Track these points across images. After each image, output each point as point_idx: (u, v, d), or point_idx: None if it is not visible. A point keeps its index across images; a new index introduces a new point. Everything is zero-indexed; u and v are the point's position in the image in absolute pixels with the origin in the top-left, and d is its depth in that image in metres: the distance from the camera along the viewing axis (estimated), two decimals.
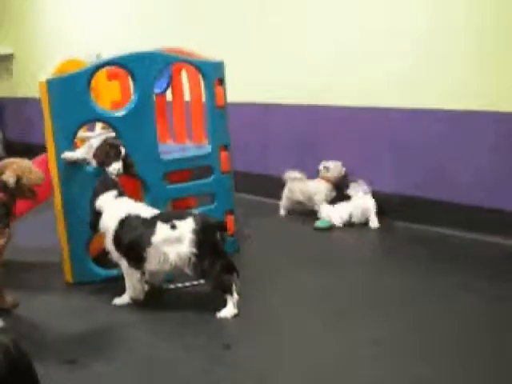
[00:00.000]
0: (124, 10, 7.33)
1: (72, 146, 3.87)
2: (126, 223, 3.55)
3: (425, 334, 3.15)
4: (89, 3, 7.83)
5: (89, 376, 2.90)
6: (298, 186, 5.33)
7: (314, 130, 5.57)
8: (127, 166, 3.80)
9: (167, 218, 3.52)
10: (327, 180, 5.23)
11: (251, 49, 5.95)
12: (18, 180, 3.41)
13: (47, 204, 4.17)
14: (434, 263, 4.14)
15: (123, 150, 3.77)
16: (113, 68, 4.31)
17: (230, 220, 4.34)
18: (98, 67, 3.92)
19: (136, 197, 4.11)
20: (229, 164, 4.34)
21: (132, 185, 4.11)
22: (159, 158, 4.06)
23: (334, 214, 5.03)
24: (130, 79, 4.12)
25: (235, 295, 3.48)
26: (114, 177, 3.74)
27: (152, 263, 3.52)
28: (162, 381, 2.84)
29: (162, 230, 3.46)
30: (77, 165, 3.85)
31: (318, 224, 5.01)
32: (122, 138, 3.90)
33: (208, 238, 3.44)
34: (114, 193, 3.66)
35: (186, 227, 3.43)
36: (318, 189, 5.22)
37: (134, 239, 3.51)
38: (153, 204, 3.99)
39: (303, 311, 3.50)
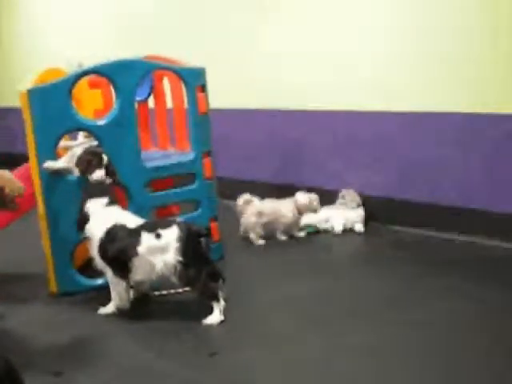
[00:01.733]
0: (104, 18, 7.31)
1: (54, 156, 3.84)
2: (111, 233, 3.53)
3: (413, 339, 3.16)
4: (69, 11, 7.80)
5: None
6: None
7: (297, 135, 5.59)
8: (110, 174, 3.78)
9: (152, 227, 3.51)
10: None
11: (232, 54, 5.95)
12: (1, 192, 3.38)
13: (30, 214, 4.14)
14: (420, 266, 4.16)
15: (105, 158, 3.76)
16: (94, 76, 4.29)
17: (214, 227, 4.33)
18: (79, 76, 3.90)
19: (120, 205, 4.11)
20: (212, 170, 4.34)
21: (116, 193, 4.11)
22: (142, 166, 4.05)
23: (335, 219, 5.01)
24: (112, 87, 4.11)
25: (222, 302, 3.48)
26: (104, 184, 3.73)
27: (138, 273, 3.51)
28: None
29: (147, 240, 3.45)
30: (60, 174, 3.83)
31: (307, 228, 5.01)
32: (104, 146, 3.89)
33: (193, 246, 3.44)
34: (104, 200, 3.64)
35: (171, 236, 3.42)
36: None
37: (119, 250, 3.49)
38: (136, 212, 3.97)
39: (290, 317, 3.50)
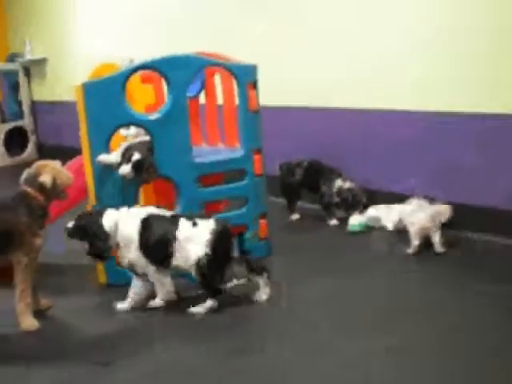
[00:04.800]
0: (157, 14, 7.37)
1: (107, 149, 3.89)
2: (149, 223, 3.56)
3: (447, 344, 3.09)
4: (122, 8, 7.89)
5: (122, 379, 2.92)
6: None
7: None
8: (140, 172, 3.83)
9: (190, 216, 3.58)
10: None
11: (284, 52, 5.94)
12: (54, 181, 3.45)
13: (79, 207, 4.20)
14: (465, 270, 4.08)
15: (136, 156, 3.79)
16: (146, 72, 4.33)
17: (262, 223, 4.33)
18: (134, 70, 3.95)
19: (169, 200, 4.15)
20: (262, 167, 4.33)
21: (165, 188, 4.14)
22: (192, 161, 4.07)
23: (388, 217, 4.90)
24: (164, 83, 4.14)
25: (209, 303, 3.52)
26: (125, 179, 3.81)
27: (177, 258, 3.52)
28: None
29: (185, 226, 3.51)
30: (111, 168, 3.88)
31: (352, 228, 4.94)
32: (155, 140, 3.93)
33: (224, 242, 3.51)
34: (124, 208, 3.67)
35: (207, 226, 3.48)
36: None
37: (160, 235, 3.52)
38: (186, 207, 4.02)
39: (330, 317, 3.46)
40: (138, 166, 3.80)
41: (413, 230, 4.33)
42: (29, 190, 3.43)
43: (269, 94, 4.71)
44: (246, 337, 3.29)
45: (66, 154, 5.00)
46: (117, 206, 3.69)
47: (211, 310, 3.52)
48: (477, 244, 4.50)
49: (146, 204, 4.27)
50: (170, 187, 4.11)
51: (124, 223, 3.56)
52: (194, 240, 3.47)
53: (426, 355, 2.96)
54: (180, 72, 3.97)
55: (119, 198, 3.87)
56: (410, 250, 4.33)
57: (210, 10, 6.63)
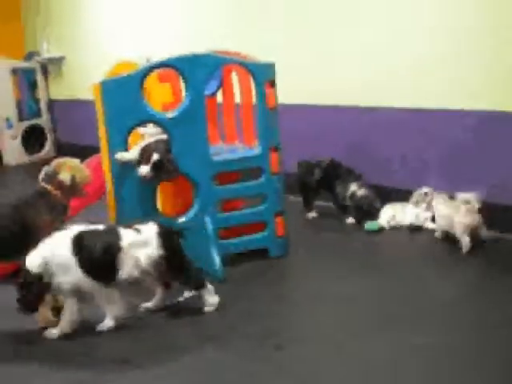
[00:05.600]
0: (173, 13, 7.39)
1: (125, 147, 3.91)
2: (84, 241, 3.31)
3: (481, 343, 3.08)
4: (139, 6, 7.91)
5: (140, 377, 2.94)
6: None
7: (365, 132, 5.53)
8: (159, 171, 3.83)
9: (126, 225, 3.43)
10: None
11: (301, 50, 5.93)
12: (73, 179, 3.48)
13: (97, 204, 4.24)
14: (491, 269, 4.07)
15: (155, 156, 3.80)
16: (164, 70, 4.34)
17: (279, 221, 4.33)
18: (152, 69, 3.96)
19: (187, 198, 4.17)
20: (279, 165, 4.33)
21: (182, 186, 4.15)
22: (210, 159, 4.08)
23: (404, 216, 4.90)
24: (182, 81, 4.15)
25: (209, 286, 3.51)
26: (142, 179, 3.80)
27: (124, 270, 3.35)
28: None
29: (128, 236, 3.35)
30: (130, 165, 3.90)
31: (369, 226, 4.94)
32: (173, 139, 3.95)
33: (173, 241, 3.44)
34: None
35: (151, 230, 3.38)
36: None
37: (102, 249, 3.31)
38: (203, 204, 4.03)
39: (355, 315, 3.47)
40: (157, 166, 3.82)
41: (461, 228, 4.29)
42: (48, 187, 3.46)
43: (295, 92, 4.63)
44: (273, 333, 3.30)
45: (84, 152, 5.03)
46: (137, 204, 3.68)
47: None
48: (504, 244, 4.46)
49: (165, 202, 4.31)
50: (186, 185, 4.12)
51: (55, 250, 3.28)
52: (142, 245, 3.35)
53: (451, 353, 2.97)
54: (198, 70, 3.97)
55: (137, 196, 3.90)
56: (464, 250, 4.27)
57: (228, 7, 6.63)
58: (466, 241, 4.26)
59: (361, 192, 5.05)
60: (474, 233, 4.30)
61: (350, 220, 5.12)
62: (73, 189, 3.50)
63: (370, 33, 5.33)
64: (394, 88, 5.21)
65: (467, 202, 4.36)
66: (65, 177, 3.44)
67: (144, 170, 3.81)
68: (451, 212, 4.41)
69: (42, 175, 3.54)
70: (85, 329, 3.39)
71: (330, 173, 5.24)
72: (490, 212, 4.37)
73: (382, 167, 5.37)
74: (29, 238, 3.37)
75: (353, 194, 5.07)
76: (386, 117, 5.30)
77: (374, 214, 4.99)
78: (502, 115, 4.53)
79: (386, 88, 5.26)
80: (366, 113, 5.46)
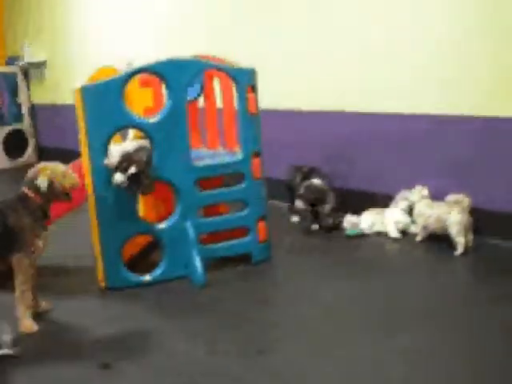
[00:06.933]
0: (154, 18, 7.39)
1: (106, 152, 3.90)
2: None
3: (468, 346, 3.10)
4: (121, 11, 7.91)
5: (122, 381, 2.92)
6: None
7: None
8: (134, 184, 3.80)
9: None
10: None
11: (282, 55, 5.95)
12: (51, 184, 3.47)
13: (81, 209, 4.22)
14: (479, 273, 4.10)
15: (133, 169, 3.77)
16: (144, 75, 4.33)
17: (262, 226, 4.34)
18: (133, 74, 3.95)
19: (168, 203, 4.17)
20: (261, 171, 4.34)
21: (164, 192, 4.15)
22: (191, 165, 4.08)
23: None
24: (163, 86, 4.14)
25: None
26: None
27: None
28: None
29: None
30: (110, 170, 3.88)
31: (350, 231, 4.97)
32: (155, 144, 3.94)
33: None
34: None
35: None
36: None
37: None
38: (185, 210, 4.03)
39: (342, 318, 3.48)
40: (133, 179, 3.79)
41: (456, 230, 4.30)
42: (27, 191, 3.47)
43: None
44: (257, 337, 3.31)
45: (66, 156, 5.00)
46: (116, 208, 3.68)
47: None
48: (498, 249, 4.47)
49: (146, 206, 4.31)
50: (168, 191, 4.12)
51: None
52: None
53: (441, 357, 2.97)
54: (179, 75, 3.97)
55: (118, 201, 3.88)
56: (458, 251, 4.29)
57: (212, 12, 6.64)
58: (461, 241, 4.29)
59: (315, 182, 5.23)
60: (466, 233, 4.34)
61: (295, 219, 5.36)
62: (52, 193, 3.49)
63: (358, 38, 5.35)
64: (382, 93, 5.23)
65: (459, 203, 4.39)
66: (41, 182, 3.44)
67: (119, 178, 3.77)
68: (442, 213, 4.42)
69: (24, 179, 3.55)
70: (64, 334, 3.37)
71: (309, 176, 5.40)
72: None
73: (367, 172, 5.39)
74: (10, 242, 3.39)
75: (308, 185, 5.24)
76: (373, 123, 5.33)
77: (324, 201, 5.14)
78: (501, 120, 4.53)
79: (375, 93, 5.28)
80: (352, 118, 5.49)
